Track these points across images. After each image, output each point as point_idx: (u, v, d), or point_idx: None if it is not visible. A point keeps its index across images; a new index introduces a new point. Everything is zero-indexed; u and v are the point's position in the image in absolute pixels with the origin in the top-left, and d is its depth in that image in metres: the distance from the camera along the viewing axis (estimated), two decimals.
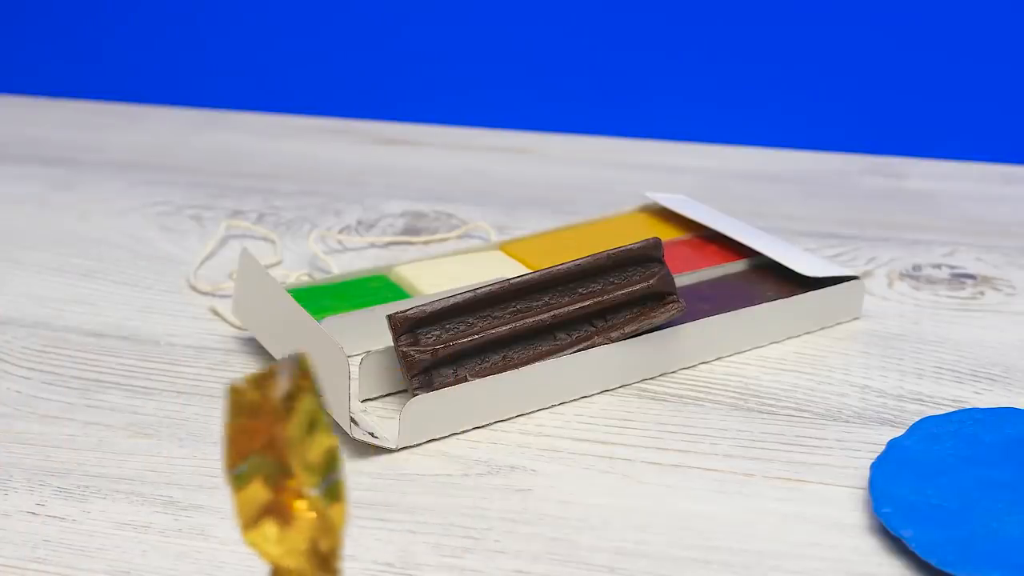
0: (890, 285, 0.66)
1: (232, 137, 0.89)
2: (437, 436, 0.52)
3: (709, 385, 0.56)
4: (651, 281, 0.55)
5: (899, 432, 0.52)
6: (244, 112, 0.95)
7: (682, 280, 0.62)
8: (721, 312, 0.58)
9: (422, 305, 0.53)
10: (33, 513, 0.48)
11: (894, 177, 0.82)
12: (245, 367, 0.58)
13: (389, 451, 0.51)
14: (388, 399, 0.55)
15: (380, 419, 0.54)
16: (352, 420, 0.51)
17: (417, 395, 0.51)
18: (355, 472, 0.50)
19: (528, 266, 0.64)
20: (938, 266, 0.68)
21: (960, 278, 0.67)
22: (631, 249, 0.55)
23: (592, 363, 0.54)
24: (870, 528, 0.47)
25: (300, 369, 0.31)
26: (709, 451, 0.51)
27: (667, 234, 0.67)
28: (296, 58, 0.95)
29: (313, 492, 0.31)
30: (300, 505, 0.31)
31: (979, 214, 0.75)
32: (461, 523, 0.47)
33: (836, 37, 0.87)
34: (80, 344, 0.60)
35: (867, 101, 0.88)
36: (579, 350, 0.54)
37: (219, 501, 0.48)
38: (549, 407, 0.54)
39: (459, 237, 0.72)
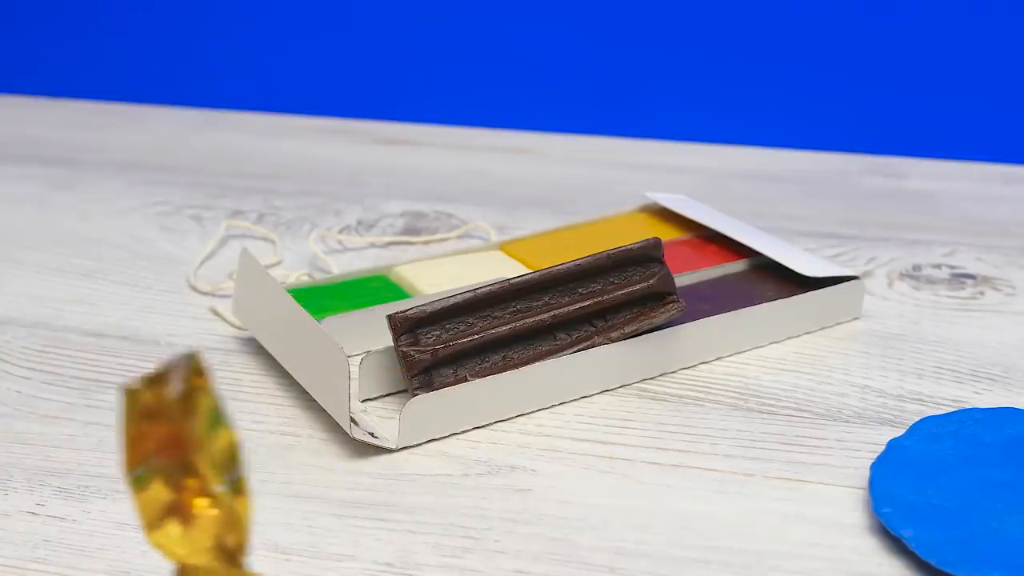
0: (890, 285, 0.66)
1: (232, 137, 0.89)
2: (437, 436, 0.52)
3: (709, 385, 0.56)
4: (651, 281, 0.55)
5: (899, 432, 0.52)
6: (244, 112, 0.95)
7: (682, 280, 0.62)
8: (721, 312, 0.58)
9: (422, 305, 0.53)
10: (33, 513, 0.48)
11: (894, 177, 0.82)
12: (245, 367, 0.58)
13: (389, 451, 0.51)
14: (388, 399, 0.55)
15: (380, 419, 0.54)
16: (352, 420, 0.51)
17: (417, 395, 0.51)
18: (355, 472, 0.50)
19: (528, 266, 0.64)
20: (938, 266, 0.68)
21: (960, 278, 0.67)
22: (631, 249, 0.55)
23: (592, 363, 0.54)
24: (870, 528, 0.47)
25: (194, 368, 0.31)
26: (709, 451, 0.51)
27: (667, 234, 0.67)
28: (296, 58, 0.95)
29: (218, 488, 0.31)
30: (202, 503, 0.31)
31: (979, 214, 0.75)
32: (461, 523, 0.47)
33: (836, 37, 0.87)
34: (80, 344, 0.60)
35: (867, 101, 0.88)
36: (579, 350, 0.54)
37: None
38: (549, 407, 0.54)
39: (459, 237, 0.72)
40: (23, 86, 1.00)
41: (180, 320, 0.62)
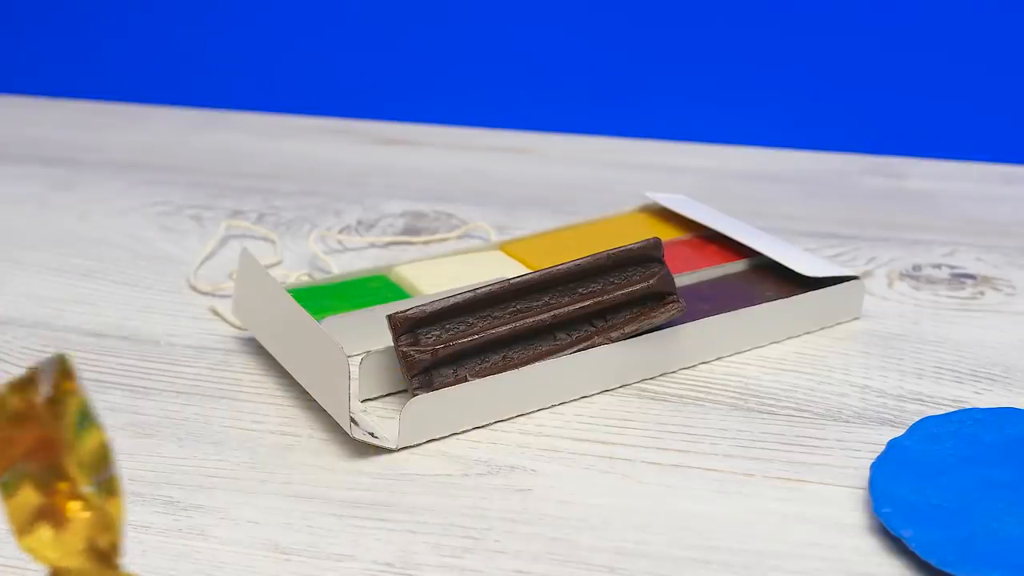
0: (890, 285, 0.66)
1: (232, 137, 0.89)
2: (437, 436, 0.52)
3: (709, 385, 0.56)
4: (651, 281, 0.55)
5: (899, 432, 0.52)
6: (244, 112, 0.95)
7: (682, 280, 0.62)
8: (721, 312, 0.58)
9: (422, 305, 0.53)
10: None
11: (894, 177, 0.82)
12: (245, 367, 0.58)
13: (389, 451, 0.51)
14: (388, 399, 0.55)
15: (380, 419, 0.54)
16: (352, 420, 0.51)
17: (417, 395, 0.51)
18: (355, 472, 0.50)
19: (528, 266, 0.64)
20: (938, 266, 0.68)
21: (960, 278, 0.67)
22: (631, 249, 0.55)
23: (592, 363, 0.54)
24: (870, 528, 0.47)
25: (62, 371, 0.31)
26: (709, 451, 0.51)
27: (667, 234, 0.67)
28: (296, 58, 0.95)
29: (89, 490, 0.31)
30: (73, 506, 0.31)
31: (979, 214, 0.75)
32: (461, 523, 0.47)
33: (836, 37, 0.87)
34: (80, 344, 0.60)
35: (867, 101, 0.88)
36: (579, 350, 0.54)
37: (219, 501, 0.48)
38: (549, 407, 0.54)
39: (459, 237, 0.72)
40: (23, 86, 1.00)
41: (180, 320, 0.62)
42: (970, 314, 0.63)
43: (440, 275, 0.62)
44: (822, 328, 0.61)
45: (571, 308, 0.55)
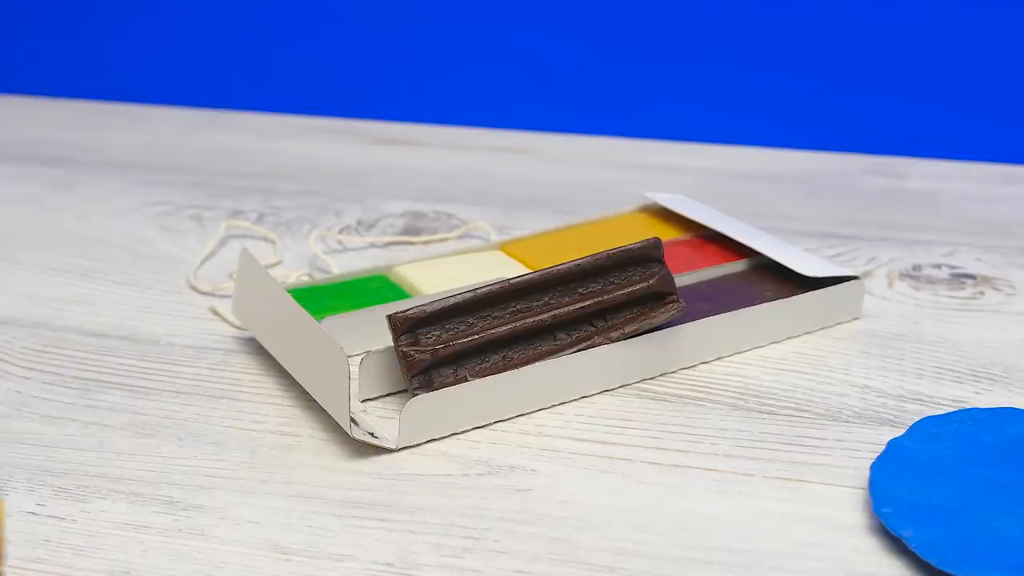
0: (890, 285, 0.66)
1: (232, 137, 0.89)
2: (437, 436, 0.52)
3: (709, 385, 0.56)
4: (651, 281, 0.55)
5: (899, 432, 0.52)
6: (244, 112, 0.95)
7: (682, 280, 0.62)
8: (721, 312, 0.58)
9: (422, 305, 0.53)
10: (33, 513, 0.48)
11: (894, 177, 0.82)
12: (245, 367, 0.58)
13: (389, 451, 0.51)
14: (388, 399, 0.55)
15: (380, 419, 0.54)
16: (352, 420, 0.51)
17: (417, 395, 0.51)
18: (355, 472, 0.50)
19: (528, 266, 0.64)
20: (938, 266, 0.68)
21: (960, 278, 0.67)
22: (631, 249, 0.55)
23: (592, 363, 0.54)
24: (870, 528, 0.47)
25: None
26: (709, 451, 0.51)
27: (667, 234, 0.67)
28: (296, 58, 0.95)
29: None
30: None
31: (979, 214, 0.75)
32: (461, 523, 0.47)
33: (836, 37, 0.87)
34: (80, 344, 0.60)
35: (867, 101, 0.88)
36: (579, 350, 0.54)
37: (219, 501, 0.48)
38: (549, 407, 0.54)
39: (459, 237, 0.72)
40: (23, 86, 1.00)
41: (180, 320, 0.62)
42: (970, 314, 0.63)
43: (440, 275, 0.62)
44: (822, 328, 0.61)
45: (571, 308, 0.55)
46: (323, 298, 0.60)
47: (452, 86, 0.93)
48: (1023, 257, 0.69)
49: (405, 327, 0.52)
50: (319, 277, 0.65)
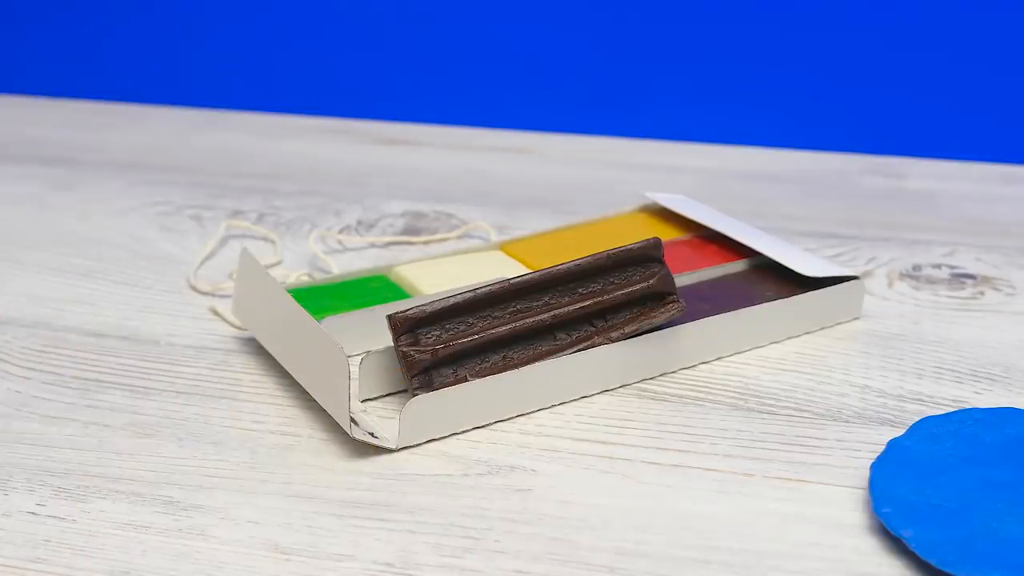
0: (890, 285, 0.66)
1: (232, 137, 0.89)
2: (437, 436, 0.52)
3: (709, 385, 0.56)
4: (651, 281, 0.55)
5: (899, 432, 0.52)
6: (244, 112, 0.95)
7: (682, 280, 0.62)
8: (721, 312, 0.58)
9: (422, 305, 0.53)
10: (33, 513, 0.48)
11: (894, 177, 0.82)
12: (245, 367, 0.58)
13: (389, 451, 0.51)
14: (388, 399, 0.55)
15: (380, 419, 0.54)
16: (352, 420, 0.51)
17: (417, 395, 0.51)
18: (355, 472, 0.50)
19: (528, 266, 0.64)
20: (938, 266, 0.68)
21: (960, 278, 0.67)
22: (631, 249, 0.55)
23: (592, 363, 0.54)
24: (870, 528, 0.47)
25: None
26: (709, 451, 0.51)
27: (667, 234, 0.67)
28: (296, 58, 0.95)
29: None
30: None
31: (979, 214, 0.75)
32: (461, 523, 0.47)
33: (836, 37, 0.87)
34: (80, 344, 0.60)
35: (867, 101, 0.88)
36: (579, 350, 0.54)
37: (219, 501, 0.48)
38: (549, 407, 0.54)
39: (459, 237, 0.72)
40: (23, 86, 1.00)
41: (180, 320, 0.62)
42: (970, 314, 0.63)
43: (440, 275, 0.62)
44: (822, 328, 0.61)
45: (571, 308, 0.55)
46: (323, 298, 0.60)
47: (452, 86, 0.93)
48: (1023, 257, 0.69)
49: (405, 327, 0.52)
50: (319, 277, 0.65)
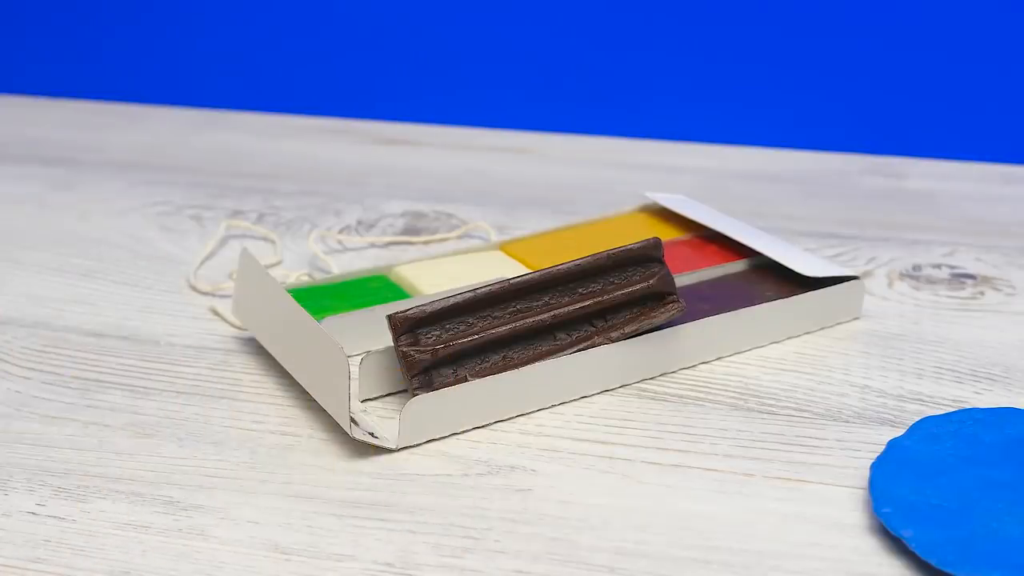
0: (890, 285, 0.66)
1: (232, 137, 0.89)
2: (437, 436, 0.52)
3: (709, 385, 0.56)
4: (651, 281, 0.55)
5: (899, 432, 0.52)
6: (244, 112, 0.95)
7: (682, 280, 0.62)
8: (721, 312, 0.58)
9: (422, 305, 0.53)
10: (33, 513, 0.48)
11: (894, 177, 0.82)
12: (245, 367, 0.58)
13: (389, 451, 0.51)
14: (388, 399, 0.55)
15: (380, 419, 0.54)
16: (352, 420, 0.51)
17: (417, 395, 0.51)
18: (355, 472, 0.50)
19: (528, 266, 0.64)
20: (938, 266, 0.68)
21: (960, 278, 0.67)
22: (631, 249, 0.55)
23: (592, 363, 0.54)
24: (870, 528, 0.47)
25: None
26: (709, 451, 0.51)
27: (667, 234, 0.67)
28: (296, 58, 0.95)
29: None
30: None
31: (979, 214, 0.75)
32: (461, 523, 0.47)
33: (836, 37, 0.87)
34: (80, 344, 0.60)
35: (867, 101, 0.88)
36: (579, 350, 0.54)
37: (219, 501, 0.48)
38: (549, 407, 0.54)
39: (459, 237, 0.72)
40: (23, 86, 1.00)
41: (180, 320, 0.62)
42: (970, 314, 0.63)
43: (440, 275, 0.62)
44: (822, 328, 0.61)
45: (571, 308, 0.55)
46: (323, 298, 0.60)
47: (452, 86, 0.93)
48: (1023, 257, 0.69)
49: (405, 327, 0.52)
50: (319, 277, 0.65)
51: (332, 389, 0.51)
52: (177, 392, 0.56)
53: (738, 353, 0.59)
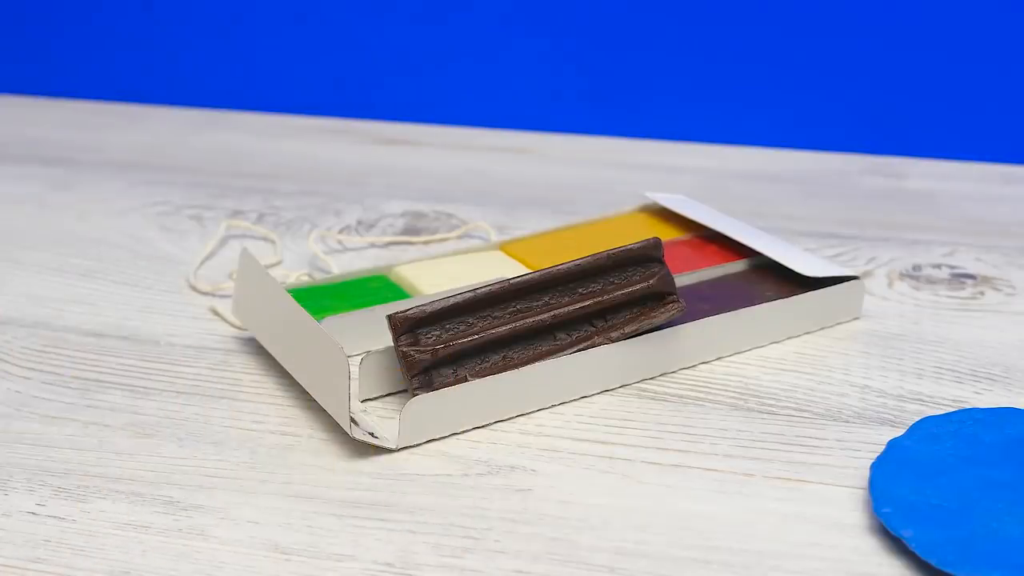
0: (890, 285, 0.66)
1: (232, 137, 0.89)
2: (437, 436, 0.52)
3: (709, 385, 0.56)
4: (651, 281, 0.55)
5: (899, 432, 0.52)
6: (244, 112, 0.95)
7: (682, 280, 0.62)
8: (721, 312, 0.58)
9: (422, 305, 0.53)
10: (33, 513, 0.48)
11: (894, 177, 0.82)
12: (245, 367, 0.58)
13: (389, 451, 0.51)
14: (388, 399, 0.55)
15: (380, 419, 0.54)
16: (352, 420, 0.51)
17: (417, 395, 0.51)
18: (355, 472, 0.50)
19: (528, 266, 0.64)
20: (938, 266, 0.68)
21: (960, 278, 0.67)
22: (631, 249, 0.55)
23: (592, 363, 0.54)
24: (870, 528, 0.47)
25: None
26: (709, 451, 0.51)
27: (667, 234, 0.67)
28: (296, 58, 0.95)
29: None
30: None
31: (979, 214, 0.75)
32: (461, 523, 0.47)
33: (836, 37, 0.87)
34: (80, 344, 0.60)
35: (867, 101, 0.88)
36: (579, 350, 0.54)
37: (219, 501, 0.48)
38: (549, 407, 0.54)
39: (459, 237, 0.72)
40: (23, 86, 1.00)
41: (180, 320, 0.62)
42: (970, 314, 0.63)
43: (440, 275, 0.62)
44: (822, 328, 0.61)
45: (571, 308, 0.55)
46: (323, 298, 0.60)
47: (452, 86, 0.93)
48: (1023, 257, 0.69)
49: (405, 327, 0.52)
50: (319, 277, 0.65)
51: (332, 389, 0.51)
52: (177, 392, 0.56)
53: (738, 353, 0.59)
